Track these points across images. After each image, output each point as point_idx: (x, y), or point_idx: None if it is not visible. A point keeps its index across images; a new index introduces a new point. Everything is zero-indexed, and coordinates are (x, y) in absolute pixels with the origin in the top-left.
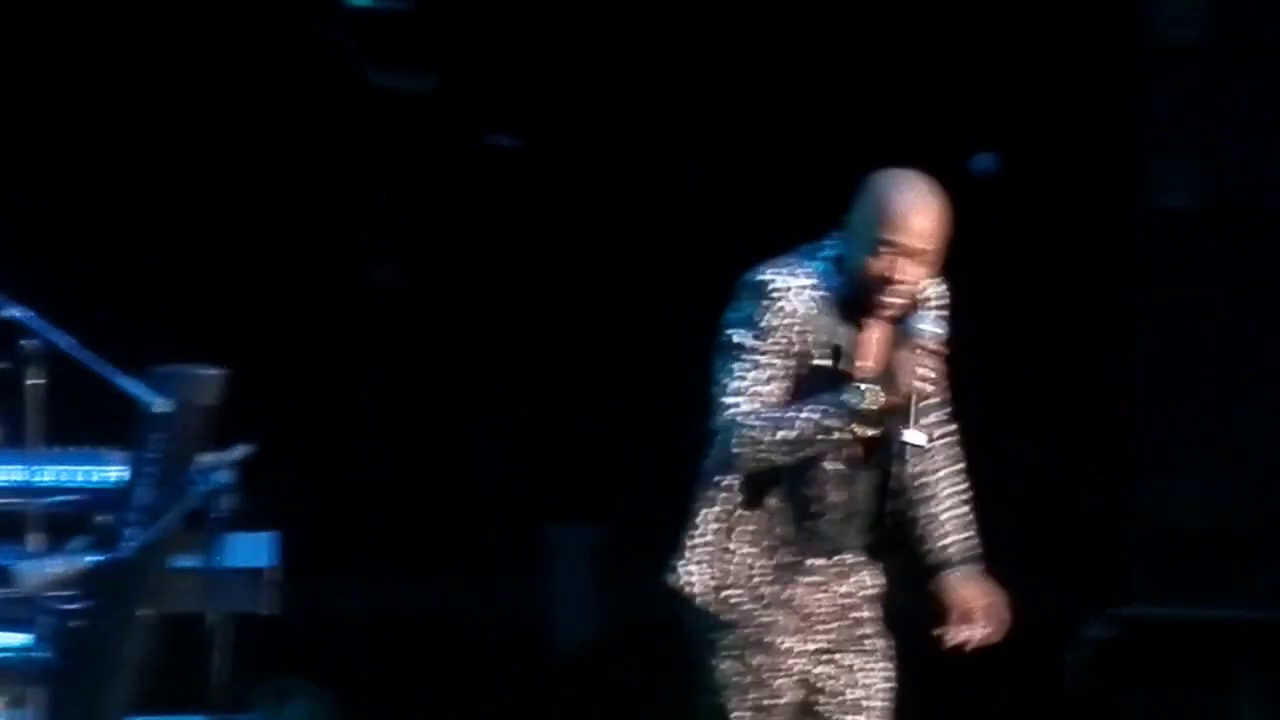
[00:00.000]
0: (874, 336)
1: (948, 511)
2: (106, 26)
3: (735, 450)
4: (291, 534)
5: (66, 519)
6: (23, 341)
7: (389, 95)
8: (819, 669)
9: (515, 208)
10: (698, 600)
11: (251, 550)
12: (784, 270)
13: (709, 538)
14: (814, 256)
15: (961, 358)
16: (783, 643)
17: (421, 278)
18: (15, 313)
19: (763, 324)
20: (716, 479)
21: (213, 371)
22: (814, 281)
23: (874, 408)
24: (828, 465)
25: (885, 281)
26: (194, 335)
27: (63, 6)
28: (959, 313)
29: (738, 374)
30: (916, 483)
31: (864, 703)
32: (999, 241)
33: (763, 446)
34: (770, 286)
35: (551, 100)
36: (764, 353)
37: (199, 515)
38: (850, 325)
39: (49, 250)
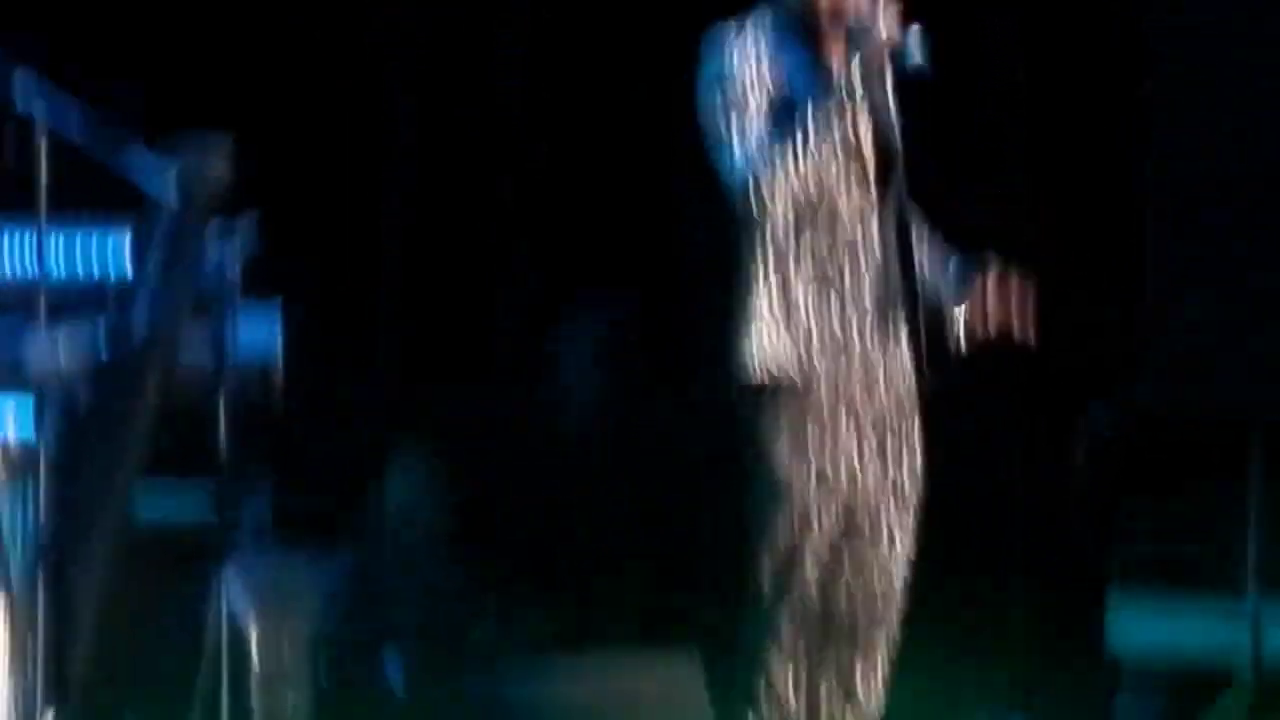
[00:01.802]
0: (835, 50)
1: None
2: None
3: (765, 185)
4: (297, 307)
5: (75, 301)
6: (30, 121)
7: None
8: (863, 464)
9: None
10: (775, 371)
11: (256, 338)
12: (731, 21)
13: (771, 300)
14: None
15: (978, 154)
16: (837, 419)
17: (421, 180)
18: (21, 79)
19: (730, 73)
20: (760, 249)
21: (221, 138)
22: (758, 21)
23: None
24: (851, 171)
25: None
26: (201, 107)
27: None
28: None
29: (730, 125)
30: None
31: (897, 507)
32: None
33: (783, 173)
34: (723, 37)
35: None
36: (742, 94)
37: (206, 299)
38: (809, 53)
39: (55, 18)
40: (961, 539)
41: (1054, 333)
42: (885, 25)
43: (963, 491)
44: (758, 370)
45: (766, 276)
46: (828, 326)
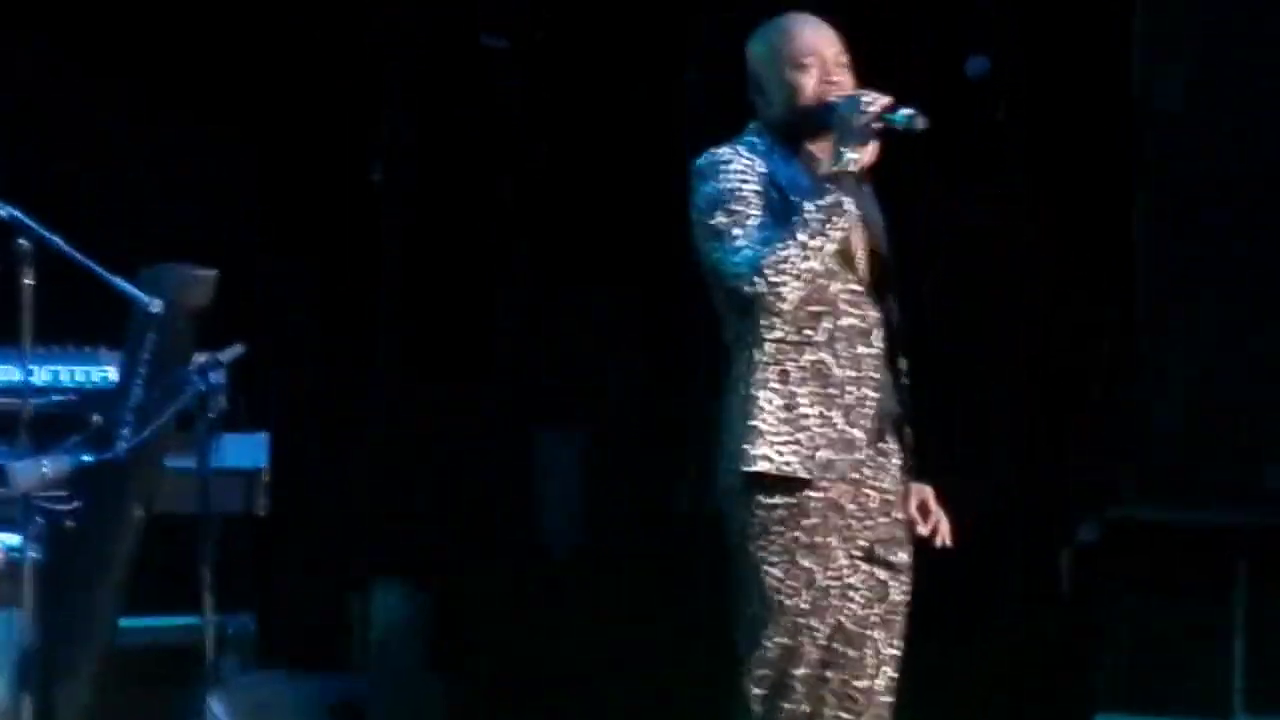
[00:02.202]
0: (820, 148)
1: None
2: None
3: (771, 280)
4: (282, 435)
5: (59, 419)
6: (15, 240)
7: None
8: (854, 577)
9: (510, 109)
10: (776, 471)
11: (244, 451)
12: (722, 146)
13: (775, 412)
14: (739, 139)
15: (956, 258)
16: (830, 544)
17: (419, 179)
18: (7, 212)
19: (725, 188)
20: (759, 354)
21: (205, 271)
22: (748, 144)
23: (852, 163)
24: (855, 283)
25: (826, 85)
26: (187, 235)
27: None
28: (957, 214)
29: (731, 235)
30: None
31: (885, 617)
32: (992, 142)
33: (792, 262)
34: (714, 157)
35: (566, 87)
36: (744, 207)
37: (191, 416)
38: (803, 166)
39: (40, 147)
40: (948, 652)
41: (1041, 443)
42: (867, 98)
43: (951, 603)
44: (759, 467)
45: (768, 382)
46: (829, 431)
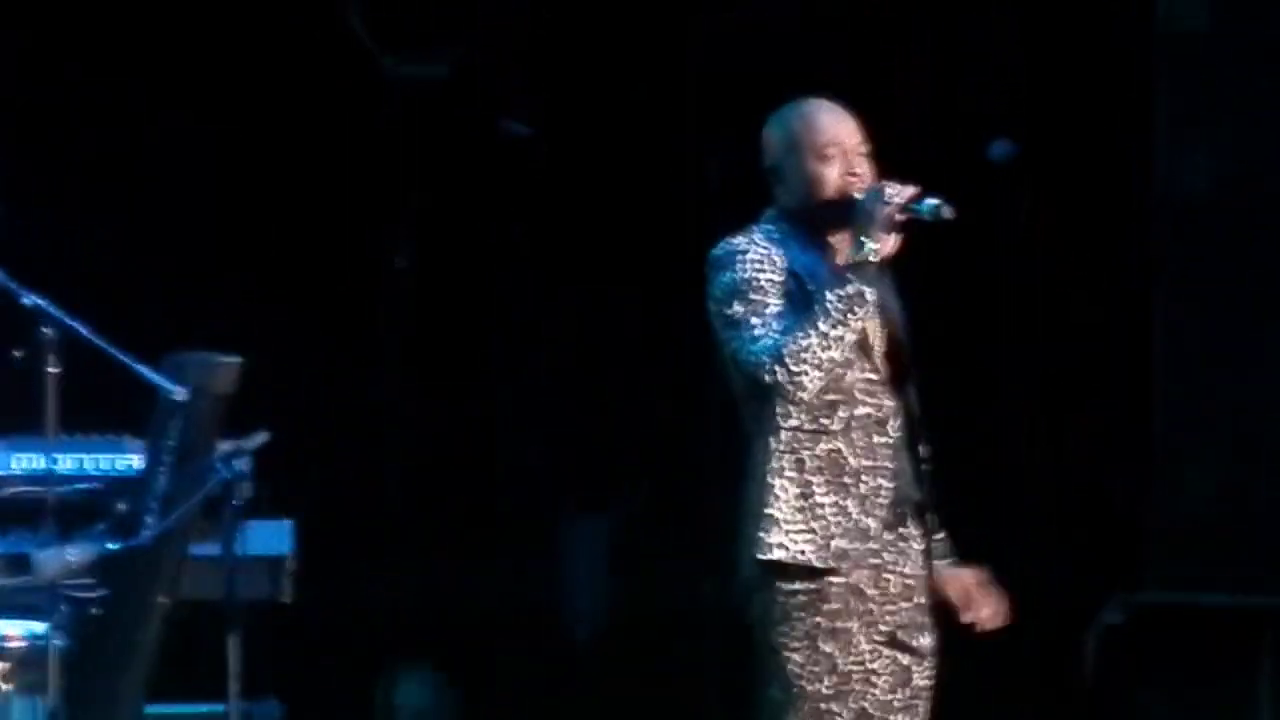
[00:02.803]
0: (840, 239)
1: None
2: (116, 14)
3: (792, 373)
4: (308, 522)
5: (84, 507)
6: (40, 329)
7: (402, 83)
8: (876, 663)
9: (531, 196)
10: (792, 561)
11: (269, 538)
12: (737, 236)
13: (791, 500)
14: (756, 226)
15: (978, 342)
16: (851, 629)
17: (438, 265)
18: (32, 300)
19: (746, 279)
20: (775, 443)
21: (229, 359)
22: (765, 232)
23: (874, 253)
24: (871, 372)
25: (846, 180)
26: (209, 323)
27: None
28: (974, 296)
29: (750, 326)
30: None
31: (909, 703)
32: (1015, 228)
33: (812, 351)
34: (732, 248)
35: (568, 88)
36: (762, 296)
37: (216, 503)
38: (821, 254)
39: (64, 238)
40: None
41: (1065, 527)
42: (891, 190)
43: (976, 688)
44: (775, 556)
45: (783, 472)
46: (845, 520)
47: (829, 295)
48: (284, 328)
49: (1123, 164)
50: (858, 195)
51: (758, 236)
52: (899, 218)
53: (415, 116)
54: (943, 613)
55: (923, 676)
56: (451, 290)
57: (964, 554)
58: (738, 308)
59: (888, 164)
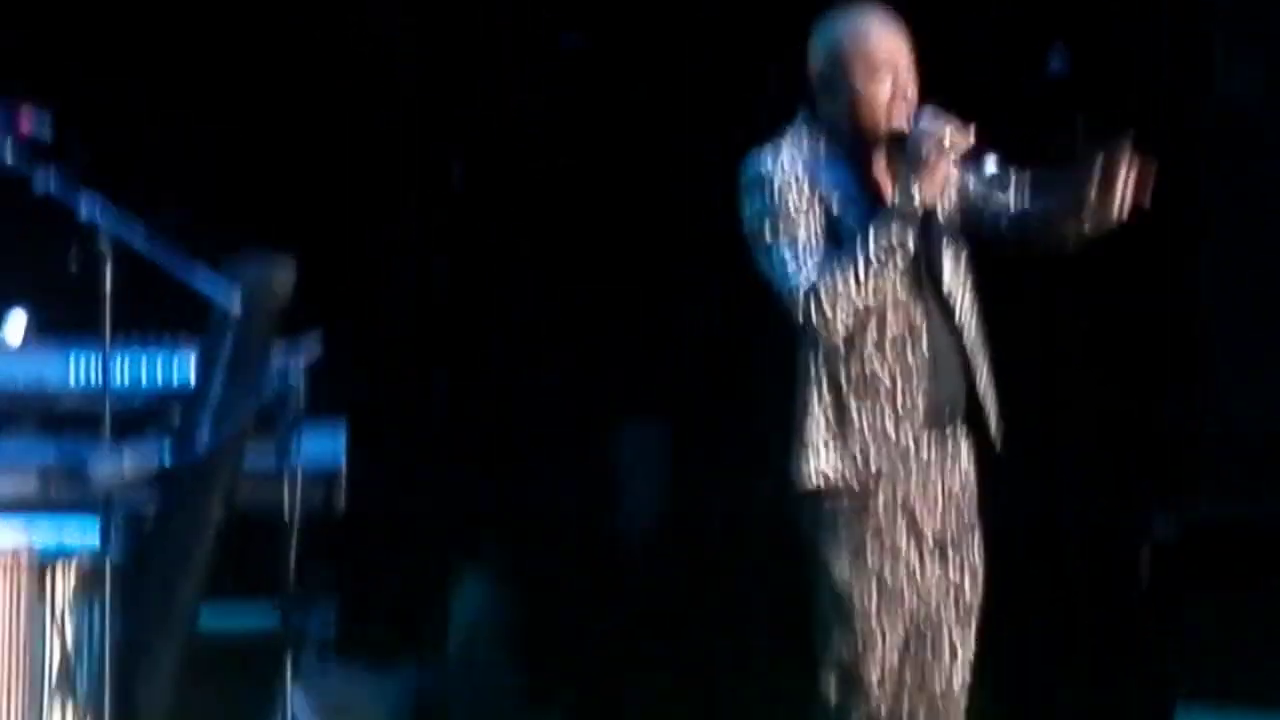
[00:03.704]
0: (881, 173)
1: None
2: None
3: (826, 310)
4: (359, 424)
5: (140, 416)
6: (95, 233)
7: None
8: (926, 577)
9: (586, 108)
10: (834, 486)
11: (322, 447)
12: (764, 152)
13: (828, 423)
14: (785, 134)
15: (1031, 261)
16: (898, 538)
17: (495, 174)
18: (87, 207)
19: (774, 205)
20: (813, 360)
21: (283, 260)
22: (791, 147)
23: (915, 203)
24: (902, 292)
25: (894, 104)
26: (262, 224)
27: None
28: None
29: (784, 256)
30: (1011, 211)
31: (960, 616)
32: (1068, 144)
33: (847, 294)
34: (760, 168)
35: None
36: (790, 224)
37: (270, 411)
38: (853, 172)
39: (119, 140)
40: (1025, 650)
41: (1118, 441)
42: (945, 131)
43: (1030, 600)
44: (813, 484)
45: (820, 391)
46: (882, 438)
47: (870, 240)
48: (338, 231)
49: (1176, 71)
50: (905, 130)
51: (785, 155)
52: (950, 168)
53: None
54: (988, 527)
55: (972, 590)
56: (508, 195)
57: (1013, 471)
58: (768, 235)
59: (941, 83)
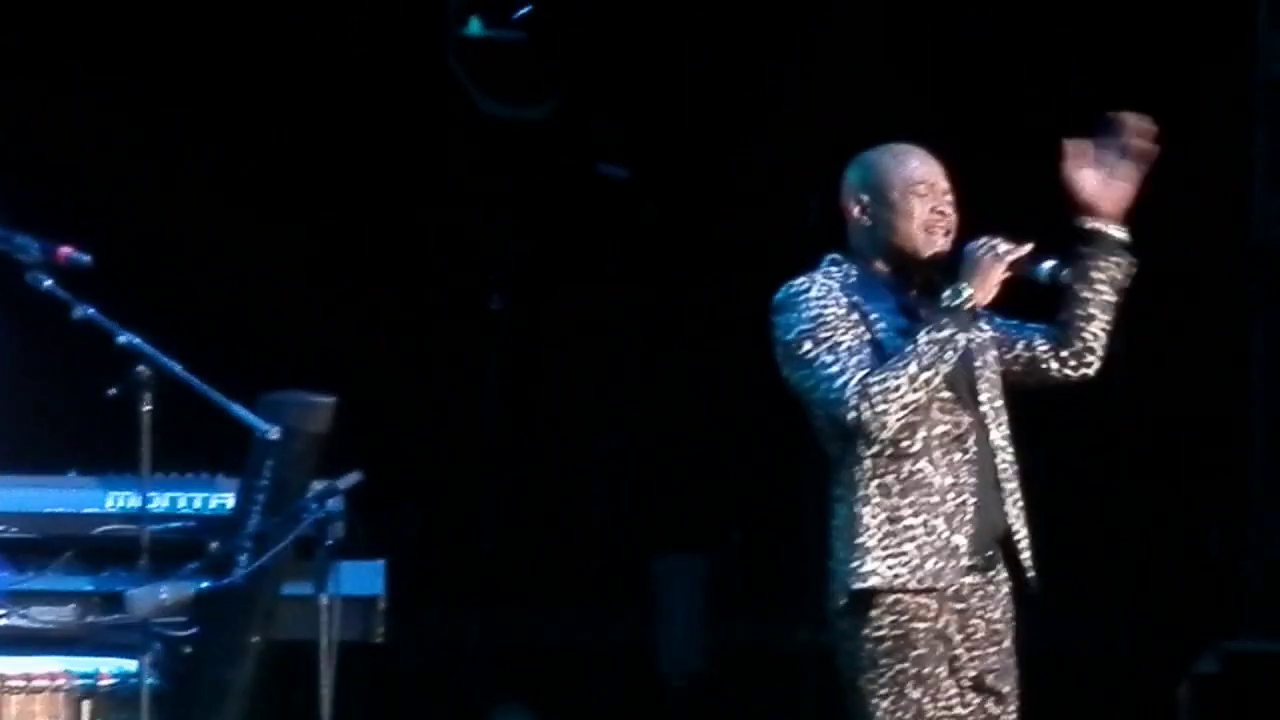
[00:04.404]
0: (917, 295)
1: None
2: (223, 36)
3: (876, 409)
4: (400, 562)
5: (178, 545)
6: (134, 367)
7: (501, 124)
8: (963, 709)
9: (628, 238)
10: (892, 586)
11: (361, 578)
12: (799, 277)
13: (879, 526)
14: (817, 270)
15: (1077, 396)
16: (938, 675)
17: (535, 307)
18: (127, 339)
19: (812, 317)
20: (860, 473)
21: (324, 398)
22: (826, 273)
23: (970, 299)
24: (945, 391)
25: (936, 224)
26: (305, 362)
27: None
28: None
29: (825, 364)
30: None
31: None
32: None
33: (899, 391)
34: (794, 289)
35: (667, 132)
36: (831, 333)
37: (309, 543)
38: (890, 295)
39: (161, 276)
40: None
41: (1159, 576)
42: (999, 241)
43: None
44: (867, 585)
45: (870, 499)
46: (936, 548)
47: (922, 338)
48: (379, 368)
49: (1222, 209)
50: (945, 250)
51: (818, 276)
52: (1006, 273)
53: (513, 159)
54: (1028, 665)
55: (1005, 710)
56: (549, 331)
57: (1056, 600)
58: (808, 346)
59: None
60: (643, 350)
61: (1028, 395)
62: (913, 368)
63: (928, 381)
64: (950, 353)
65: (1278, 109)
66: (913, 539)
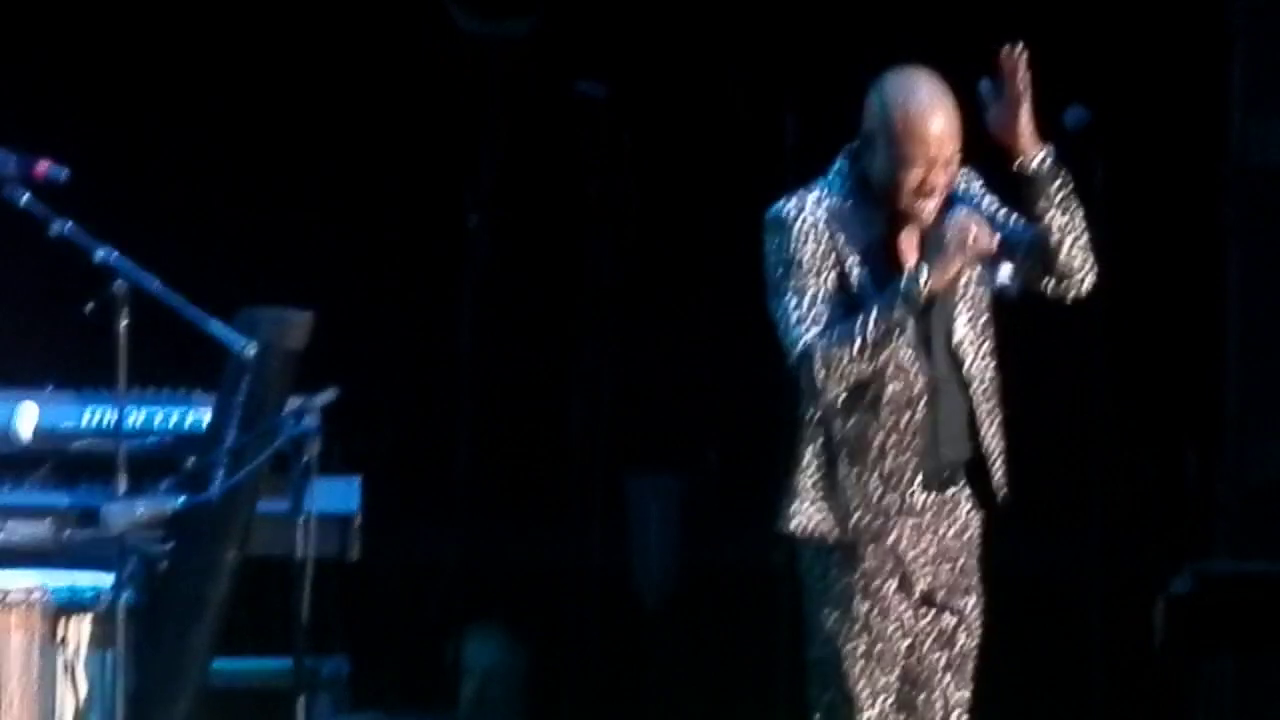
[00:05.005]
0: (909, 234)
1: None
2: None
3: (817, 378)
4: (375, 479)
5: (154, 461)
6: (111, 283)
7: (478, 41)
8: (920, 623)
9: (606, 156)
10: (815, 538)
11: (337, 495)
12: (792, 197)
13: (816, 471)
14: (825, 176)
15: (1051, 311)
16: (887, 589)
17: (513, 223)
18: (103, 254)
19: (790, 251)
20: (809, 414)
21: (301, 313)
22: (822, 194)
23: (924, 290)
24: (902, 352)
25: (919, 191)
26: (281, 277)
27: None
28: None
29: (791, 308)
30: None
31: (954, 662)
32: (1091, 197)
33: (841, 364)
34: (784, 213)
35: (645, 49)
36: (802, 277)
37: (285, 459)
38: (878, 227)
39: (137, 190)
40: (1039, 703)
41: (1135, 496)
42: (972, 231)
43: (1043, 654)
44: (790, 531)
45: (814, 446)
46: (866, 500)
47: (871, 315)
48: (356, 284)
49: (1197, 133)
50: (927, 220)
51: (812, 200)
52: (965, 266)
53: (491, 74)
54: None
55: (968, 637)
56: (525, 248)
57: (1031, 524)
58: (781, 279)
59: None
60: (619, 268)
61: (1003, 315)
62: (856, 344)
63: (871, 357)
64: (898, 333)
65: (1255, 32)
66: (842, 492)
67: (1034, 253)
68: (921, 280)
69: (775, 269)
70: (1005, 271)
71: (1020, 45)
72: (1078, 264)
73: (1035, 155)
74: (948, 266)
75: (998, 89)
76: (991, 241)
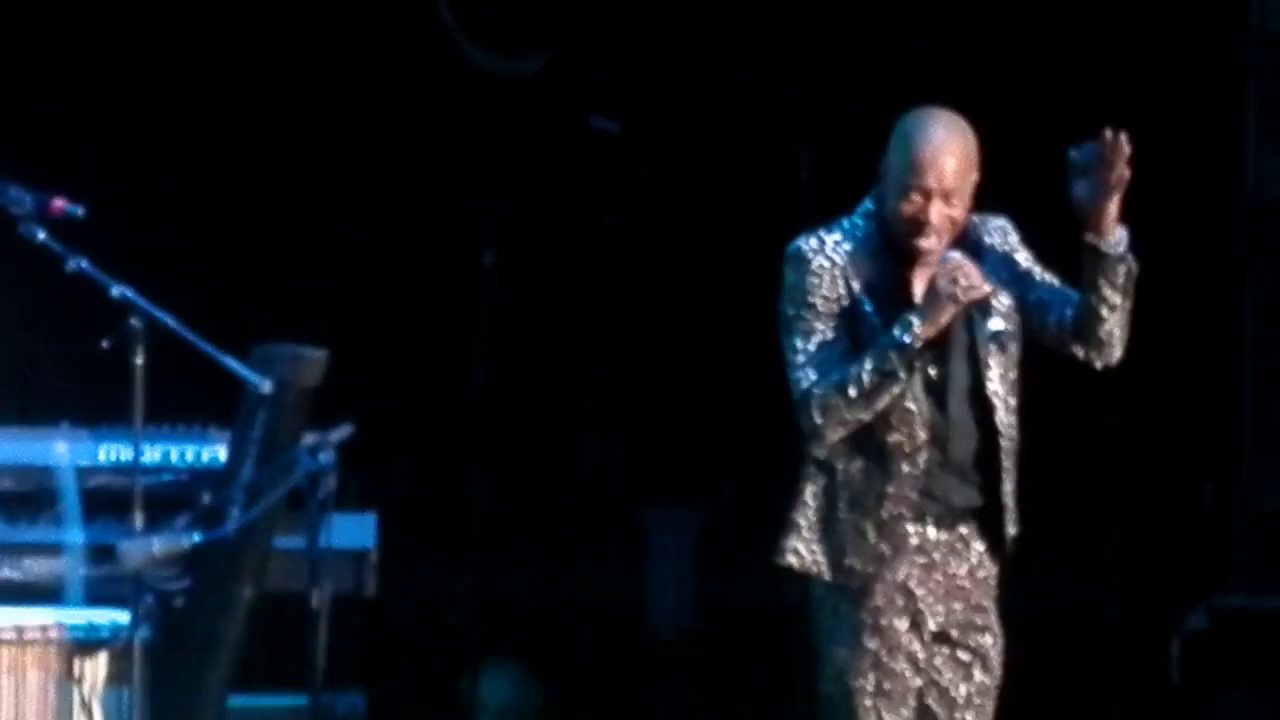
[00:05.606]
0: (922, 276)
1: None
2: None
3: (816, 422)
4: (390, 515)
5: (170, 498)
6: (127, 320)
7: (492, 78)
8: (934, 660)
9: (620, 191)
10: (814, 576)
11: (353, 531)
12: (813, 235)
13: (815, 511)
14: (849, 215)
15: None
16: (896, 625)
17: (527, 261)
18: (120, 291)
19: (804, 290)
20: (816, 454)
21: (316, 351)
22: (841, 236)
23: (916, 338)
24: (909, 402)
25: (916, 224)
26: (298, 316)
27: None
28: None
29: (798, 347)
30: (1053, 318)
31: (972, 700)
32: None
33: (838, 410)
34: (801, 252)
35: (659, 85)
36: (812, 318)
37: (301, 495)
38: (893, 268)
39: (154, 228)
40: None
41: (1150, 532)
42: (968, 276)
43: (1060, 691)
44: (785, 563)
45: (816, 483)
46: (861, 543)
47: (866, 365)
48: (371, 321)
49: (1213, 167)
50: (927, 251)
51: (831, 241)
52: (957, 305)
53: (505, 111)
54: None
55: (986, 675)
56: (539, 285)
57: (1048, 559)
58: (793, 318)
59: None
60: (634, 303)
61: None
62: (851, 391)
63: (869, 404)
64: (893, 386)
65: (1270, 66)
66: (839, 535)
67: (1073, 320)
68: (914, 327)
69: (788, 306)
70: (996, 320)
71: (1124, 133)
72: (1116, 340)
73: (1112, 237)
74: (940, 312)
75: (1089, 163)
76: (984, 287)
